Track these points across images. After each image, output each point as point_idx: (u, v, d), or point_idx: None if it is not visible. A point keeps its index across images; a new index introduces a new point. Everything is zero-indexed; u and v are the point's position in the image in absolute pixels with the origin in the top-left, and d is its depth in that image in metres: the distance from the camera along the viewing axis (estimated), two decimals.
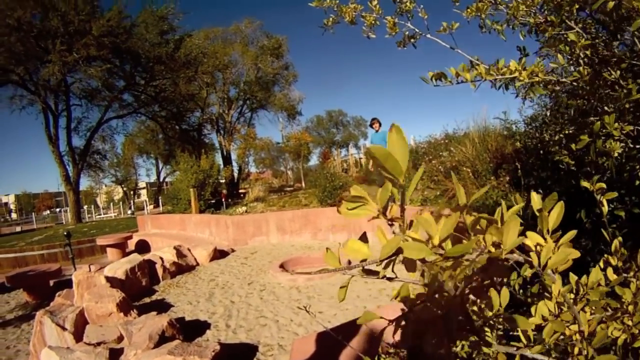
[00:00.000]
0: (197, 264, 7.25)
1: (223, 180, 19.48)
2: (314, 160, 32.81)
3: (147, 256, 6.61)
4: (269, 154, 24.96)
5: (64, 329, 3.86)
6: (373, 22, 1.61)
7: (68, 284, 5.49)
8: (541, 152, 4.97)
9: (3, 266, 11.59)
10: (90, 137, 21.17)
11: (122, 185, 41.97)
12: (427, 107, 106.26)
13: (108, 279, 5.18)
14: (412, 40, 1.65)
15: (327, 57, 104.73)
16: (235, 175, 24.95)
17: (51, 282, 7.66)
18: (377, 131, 7.61)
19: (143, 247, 11.35)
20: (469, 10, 1.52)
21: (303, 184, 22.29)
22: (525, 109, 5.96)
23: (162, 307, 5.01)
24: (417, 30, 1.63)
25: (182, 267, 6.87)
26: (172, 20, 19.13)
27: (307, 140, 26.38)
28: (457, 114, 76.79)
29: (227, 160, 25.20)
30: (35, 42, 15.93)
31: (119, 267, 5.78)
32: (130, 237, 11.60)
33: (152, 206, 34.49)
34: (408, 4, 1.55)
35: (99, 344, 3.57)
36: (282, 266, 6.29)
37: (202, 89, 23.39)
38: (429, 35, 1.60)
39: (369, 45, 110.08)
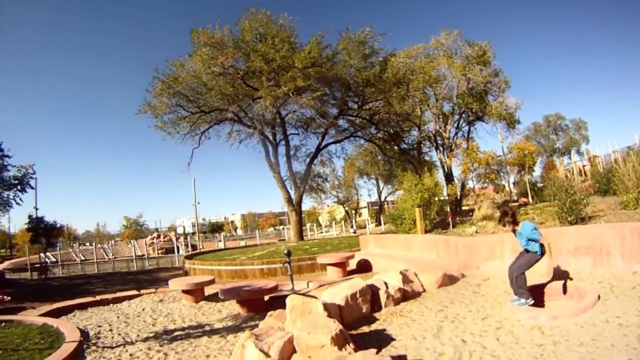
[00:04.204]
0: (424, 290, 6.57)
1: (446, 198, 18.64)
2: (536, 172, 28.51)
3: (369, 281, 6.33)
4: (489, 168, 23.09)
5: (267, 355, 3.69)
6: None
7: (283, 300, 5.40)
8: None
9: (223, 276, 13.38)
10: (310, 163, 22.92)
11: (344, 205, 44.78)
12: None
13: (326, 306, 4.87)
14: None
15: (537, 56, 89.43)
16: (458, 192, 23.59)
17: (266, 297, 8.03)
18: (514, 230, 5.31)
19: (365, 266, 11.36)
20: None
21: (530, 199, 19.31)
22: None
23: (382, 339, 4.55)
24: None
25: (408, 293, 6.30)
26: (372, 43, 19.15)
27: (531, 150, 23.43)
28: None
29: (448, 177, 24.12)
30: (243, 82, 18.26)
31: (338, 292, 5.61)
32: (352, 257, 11.81)
33: (374, 224, 35.88)
34: None
35: None
36: None
37: (416, 106, 23.27)
38: None
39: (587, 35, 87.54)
